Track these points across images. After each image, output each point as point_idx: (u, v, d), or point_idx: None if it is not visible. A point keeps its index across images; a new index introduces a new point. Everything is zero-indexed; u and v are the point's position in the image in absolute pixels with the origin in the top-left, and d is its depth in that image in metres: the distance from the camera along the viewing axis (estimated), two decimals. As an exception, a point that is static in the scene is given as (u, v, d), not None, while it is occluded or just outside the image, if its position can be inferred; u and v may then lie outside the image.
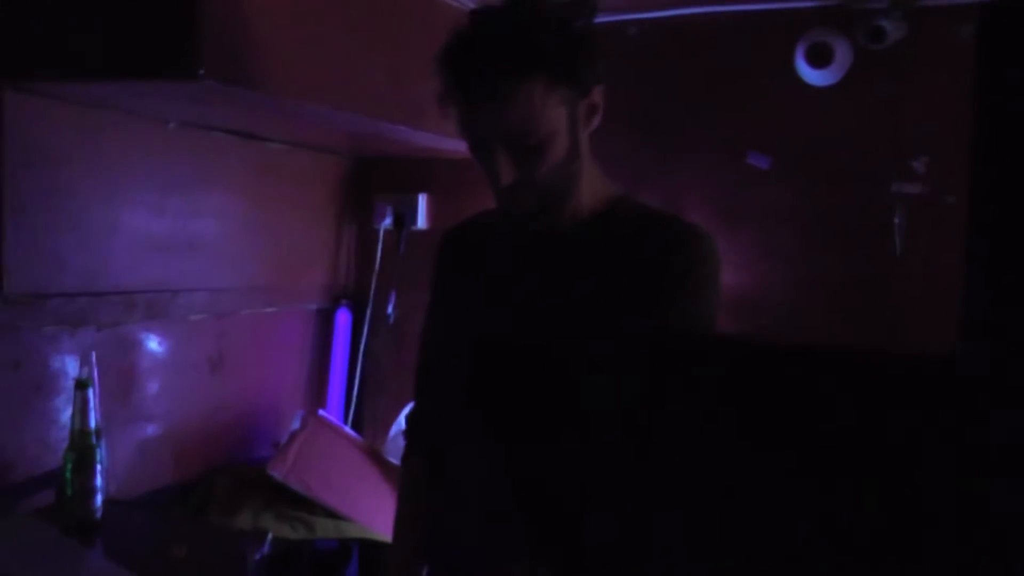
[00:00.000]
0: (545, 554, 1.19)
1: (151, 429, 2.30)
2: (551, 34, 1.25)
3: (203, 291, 2.41)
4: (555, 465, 1.25)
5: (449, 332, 1.51)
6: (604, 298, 1.32)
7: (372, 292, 2.91)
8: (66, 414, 2.07)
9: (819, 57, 2.38)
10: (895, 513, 0.70)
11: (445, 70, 1.28)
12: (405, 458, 1.61)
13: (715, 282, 1.36)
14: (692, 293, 1.32)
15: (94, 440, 1.75)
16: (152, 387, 2.30)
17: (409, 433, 1.60)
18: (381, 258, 2.90)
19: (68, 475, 1.74)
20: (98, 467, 1.75)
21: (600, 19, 1.41)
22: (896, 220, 2.37)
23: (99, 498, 1.74)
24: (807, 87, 2.43)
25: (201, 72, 1.64)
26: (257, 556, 1.54)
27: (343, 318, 2.92)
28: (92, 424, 1.75)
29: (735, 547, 0.77)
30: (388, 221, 2.89)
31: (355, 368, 2.92)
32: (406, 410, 2.71)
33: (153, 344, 2.29)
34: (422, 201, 2.88)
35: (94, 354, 1.77)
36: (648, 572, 0.82)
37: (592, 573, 0.88)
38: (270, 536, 1.59)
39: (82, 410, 1.74)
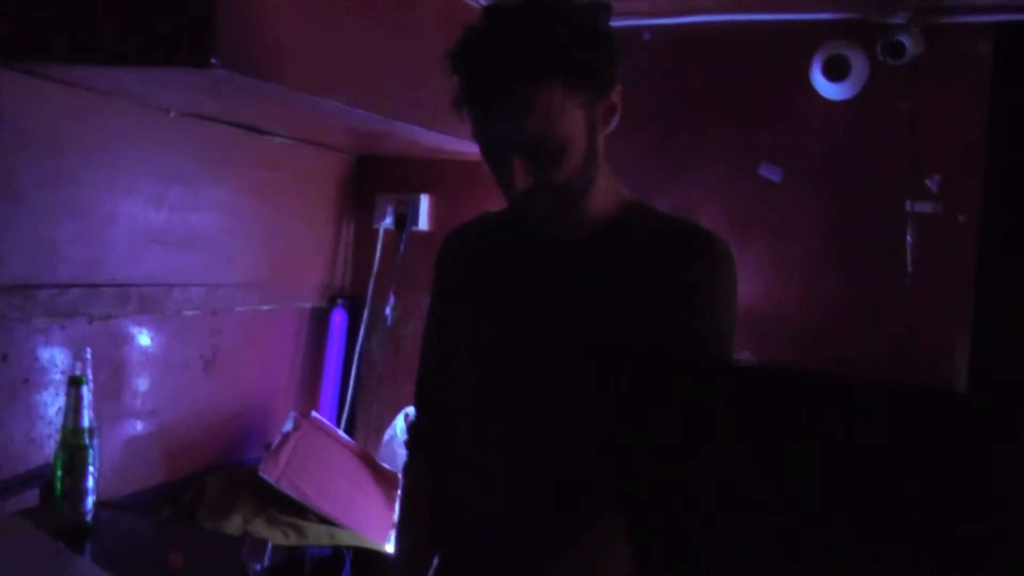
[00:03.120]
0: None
1: (141, 427, 2.22)
2: (570, 31, 1.17)
3: (199, 286, 2.34)
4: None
5: (454, 342, 1.45)
6: (621, 307, 1.28)
7: (370, 293, 2.84)
8: (53, 408, 2.00)
9: (836, 70, 2.35)
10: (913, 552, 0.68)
11: (460, 70, 1.21)
12: (408, 465, 1.56)
13: (732, 290, 1.32)
14: (710, 301, 1.28)
15: (87, 440, 1.68)
16: (143, 383, 2.22)
17: (412, 443, 1.55)
18: (380, 258, 2.83)
19: (58, 475, 1.67)
20: (90, 468, 1.67)
21: (614, 23, 1.36)
22: (909, 238, 2.34)
23: (90, 501, 1.67)
24: (822, 100, 2.40)
25: (213, 60, 1.58)
26: (258, 567, 1.47)
27: (339, 318, 2.85)
28: (85, 423, 1.68)
29: None
30: (389, 221, 2.82)
31: (349, 370, 2.85)
32: (402, 416, 2.65)
33: (145, 339, 2.22)
34: (424, 201, 2.81)
35: (89, 350, 1.70)
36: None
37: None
38: (270, 546, 1.52)
39: (75, 408, 1.67)
